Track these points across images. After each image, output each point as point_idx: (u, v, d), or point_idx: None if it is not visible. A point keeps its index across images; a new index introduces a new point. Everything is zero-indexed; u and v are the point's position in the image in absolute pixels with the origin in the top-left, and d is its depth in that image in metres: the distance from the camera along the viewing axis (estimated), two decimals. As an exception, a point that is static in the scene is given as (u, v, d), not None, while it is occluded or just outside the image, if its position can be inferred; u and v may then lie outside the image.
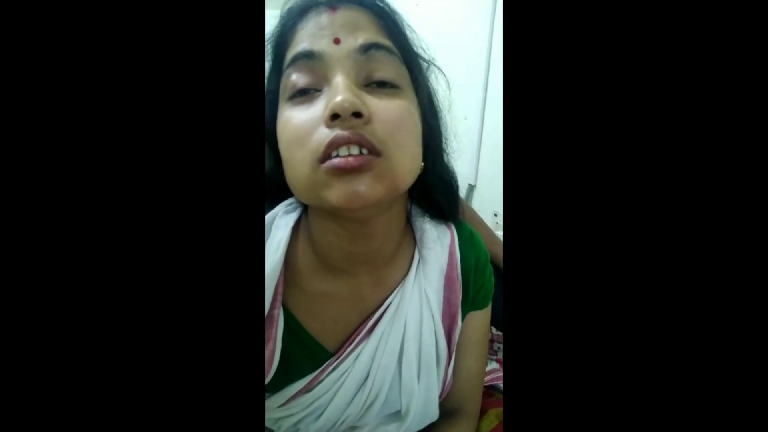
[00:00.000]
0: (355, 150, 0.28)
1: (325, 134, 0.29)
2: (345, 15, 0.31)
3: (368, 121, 0.29)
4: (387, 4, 0.34)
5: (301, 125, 0.30)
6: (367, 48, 0.30)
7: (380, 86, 0.31)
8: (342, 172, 0.28)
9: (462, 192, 1.16)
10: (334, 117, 0.28)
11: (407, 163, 0.31)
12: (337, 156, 0.28)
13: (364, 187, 0.28)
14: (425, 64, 0.37)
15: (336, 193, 0.29)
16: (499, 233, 1.04)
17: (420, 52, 0.36)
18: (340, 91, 0.28)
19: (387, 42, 0.32)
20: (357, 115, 0.28)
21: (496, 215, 1.06)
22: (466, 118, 1.11)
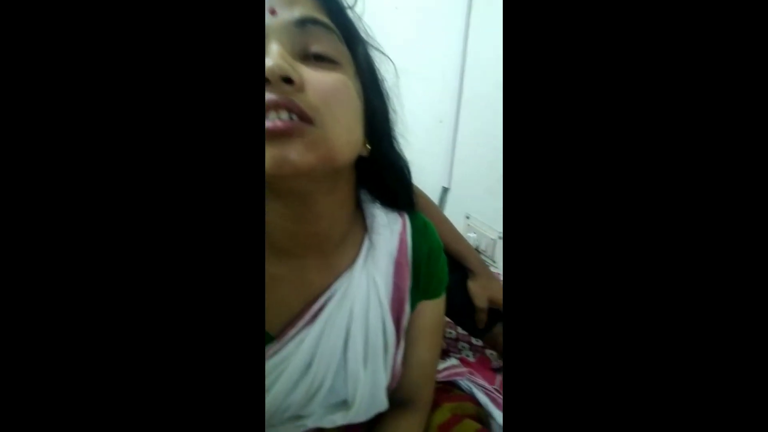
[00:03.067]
0: (284, 115, 0.28)
1: None
2: None
3: (300, 89, 0.29)
4: None
5: None
6: (304, 22, 0.30)
7: (318, 60, 0.31)
8: (269, 135, 0.27)
9: (435, 194, 1.18)
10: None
11: (343, 136, 0.31)
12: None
13: (295, 154, 0.28)
14: (370, 47, 0.37)
15: (265, 160, 0.28)
16: (470, 235, 1.05)
17: (363, 35, 0.36)
18: (271, 58, 0.28)
19: (325, 19, 0.32)
20: (287, 80, 0.28)
21: (468, 217, 1.07)
22: (441, 121, 1.12)
